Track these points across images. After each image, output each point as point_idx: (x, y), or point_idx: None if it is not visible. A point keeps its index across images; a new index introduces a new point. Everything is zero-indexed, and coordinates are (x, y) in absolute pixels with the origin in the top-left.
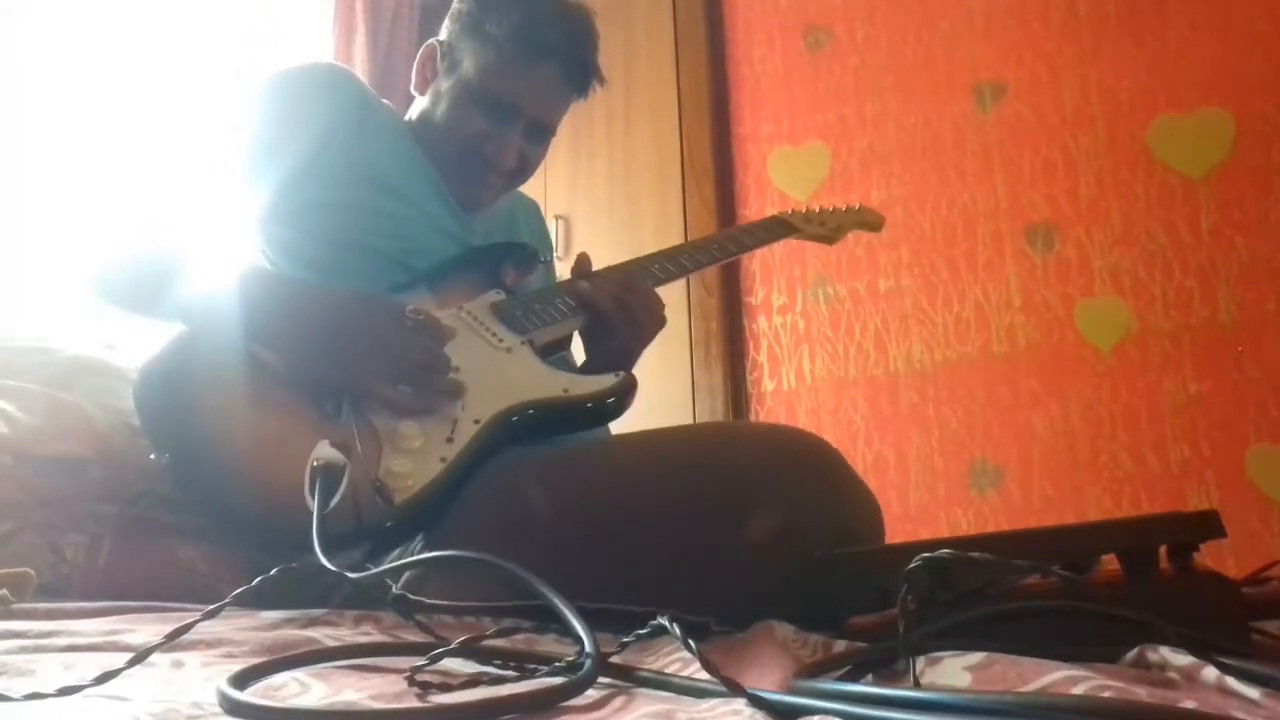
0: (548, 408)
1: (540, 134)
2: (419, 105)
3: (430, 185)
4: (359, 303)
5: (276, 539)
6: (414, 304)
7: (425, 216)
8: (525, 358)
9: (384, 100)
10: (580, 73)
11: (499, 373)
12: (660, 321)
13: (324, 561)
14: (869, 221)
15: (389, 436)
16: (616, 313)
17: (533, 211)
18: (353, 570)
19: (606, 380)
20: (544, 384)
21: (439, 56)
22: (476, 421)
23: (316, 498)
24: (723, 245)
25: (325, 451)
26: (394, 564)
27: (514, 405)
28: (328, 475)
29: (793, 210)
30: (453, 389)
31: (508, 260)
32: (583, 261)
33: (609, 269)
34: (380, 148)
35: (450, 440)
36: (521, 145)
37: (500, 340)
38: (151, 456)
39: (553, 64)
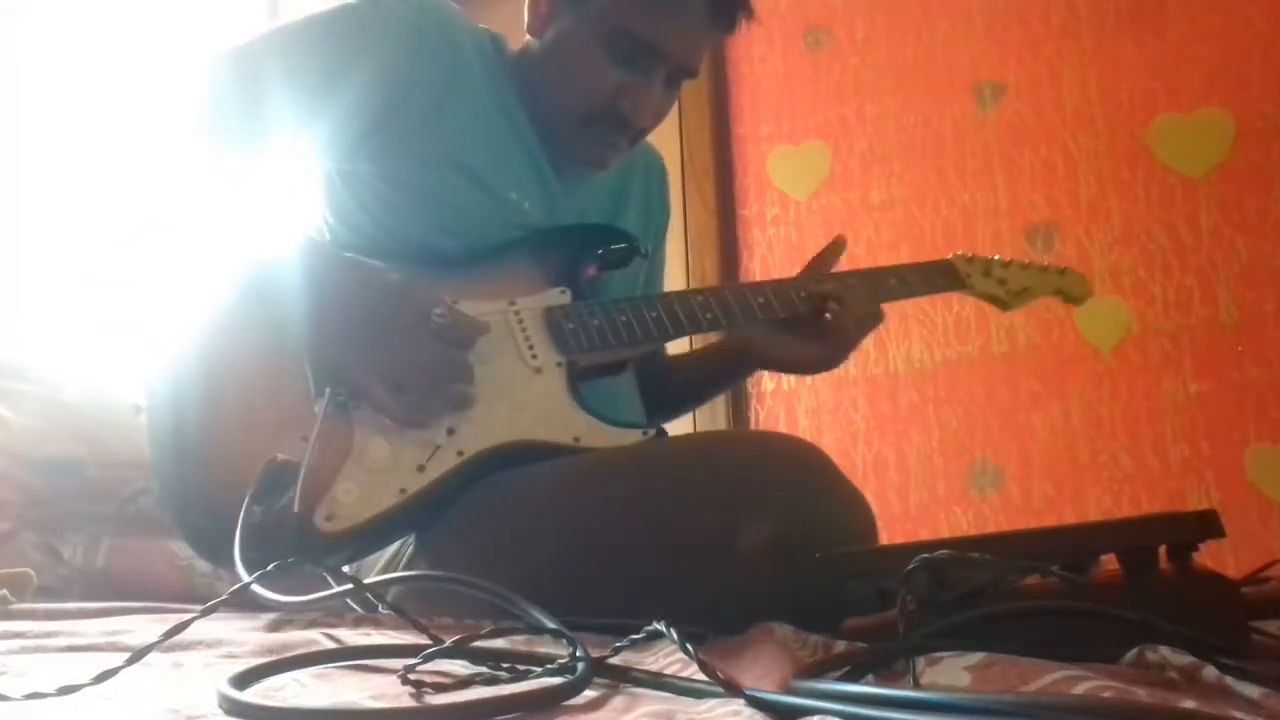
0: (548, 450)
1: (678, 82)
2: (533, 49)
3: (524, 157)
4: (383, 290)
5: (212, 525)
6: (450, 297)
7: (502, 208)
8: (552, 384)
9: (483, 29)
10: (730, 6)
11: (514, 398)
12: (845, 357)
13: (238, 565)
14: (1070, 291)
15: (358, 450)
16: (848, 337)
17: (654, 172)
18: (335, 575)
19: (629, 436)
20: (556, 424)
21: None
22: (460, 454)
23: (252, 490)
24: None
25: (292, 447)
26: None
27: (510, 443)
28: (280, 473)
29: (970, 256)
30: (461, 401)
31: (592, 251)
32: (837, 247)
33: (853, 273)
34: (463, 116)
35: (422, 469)
36: (660, 98)
37: (534, 357)
38: (132, 404)
39: None
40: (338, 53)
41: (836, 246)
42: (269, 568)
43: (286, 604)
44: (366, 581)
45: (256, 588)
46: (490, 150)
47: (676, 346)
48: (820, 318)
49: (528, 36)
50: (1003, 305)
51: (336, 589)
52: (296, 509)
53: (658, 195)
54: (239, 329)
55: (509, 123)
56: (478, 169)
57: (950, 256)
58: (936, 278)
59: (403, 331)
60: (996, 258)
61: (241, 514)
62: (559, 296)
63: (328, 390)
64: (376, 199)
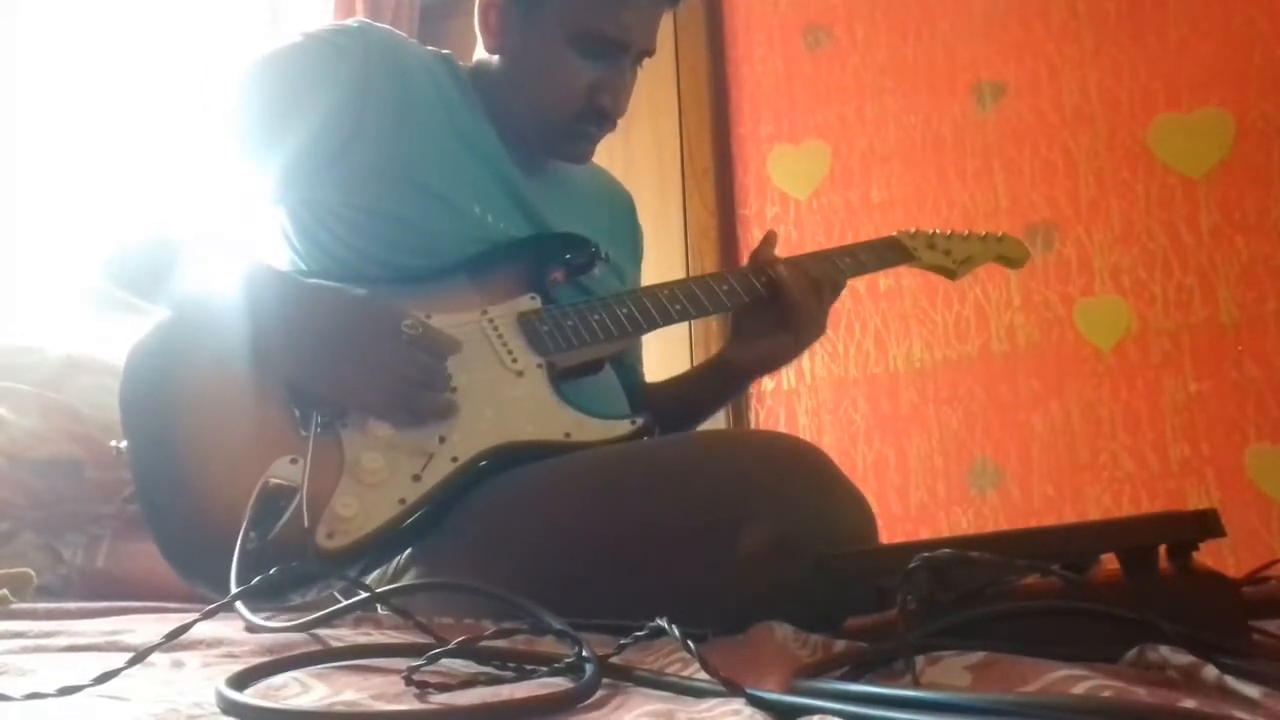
0: (541, 449)
1: (640, 62)
2: (493, 66)
3: (487, 170)
4: (351, 307)
5: (207, 557)
6: (416, 312)
7: (467, 223)
8: (535, 385)
9: (430, 50)
10: None
11: (500, 401)
12: (821, 330)
13: (233, 588)
14: (1009, 255)
15: (351, 466)
16: (806, 306)
17: (623, 204)
18: (343, 582)
19: (618, 428)
20: (545, 422)
21: (506, 5)
22: (454, 460)
23: (248, 517)
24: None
25: (282, 470)
26: (351, 602)
27: (502, 445)
28: (274, 497)
29: (914, 231)
30: (445, 409)
31: (557, 258)
32: (770, 240)
33: (802, 257)
34: (418, 137)
35: (418, 478)
36: (630, 84)
37: (514, 361)
38: (112, 444)
39: None
40: (287, 95)
41: (769, 239)
42: (272, 571)
43: (284, 628)
44: (379, 590)
45: (248, 615)
46: (449, 167)
47: (673, 353)
48: (783, 296)
49: (483, 54)
50: (950, 275)
51: (345, 604)
52: (306, 524)
53: (627, 229)
54: (213, 361)
55: (467, 138)
56: (438, 186)
57: (896, 233)
58: (886, 253)
59: (377, 344)
60: (937, 231)
61: (239, 541)
62: (529, 302)
63: (314, 414)
64: (344, 224)
